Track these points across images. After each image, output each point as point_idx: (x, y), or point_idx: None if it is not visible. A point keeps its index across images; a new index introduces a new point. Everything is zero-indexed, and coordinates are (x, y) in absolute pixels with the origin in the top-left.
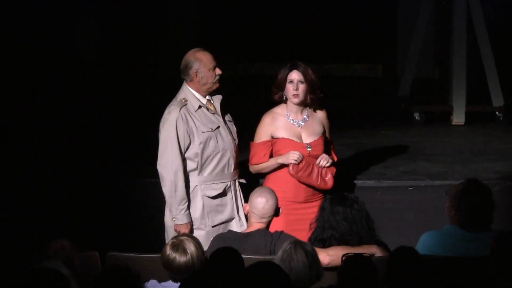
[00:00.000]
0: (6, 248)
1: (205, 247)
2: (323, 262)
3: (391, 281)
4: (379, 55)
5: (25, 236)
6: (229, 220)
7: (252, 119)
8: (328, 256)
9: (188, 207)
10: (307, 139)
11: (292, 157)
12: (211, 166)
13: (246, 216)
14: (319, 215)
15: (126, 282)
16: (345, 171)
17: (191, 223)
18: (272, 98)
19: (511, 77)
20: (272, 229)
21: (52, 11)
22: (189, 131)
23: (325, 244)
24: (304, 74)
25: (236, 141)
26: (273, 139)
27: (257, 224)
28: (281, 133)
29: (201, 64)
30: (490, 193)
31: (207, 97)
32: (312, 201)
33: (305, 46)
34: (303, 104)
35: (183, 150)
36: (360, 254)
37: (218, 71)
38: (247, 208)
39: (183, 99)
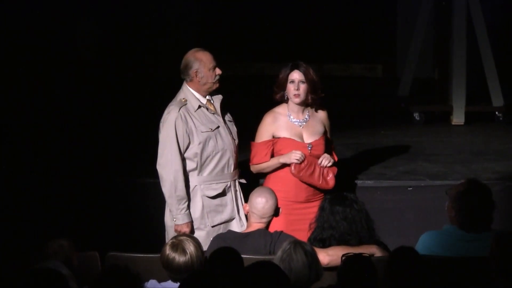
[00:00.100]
0: (6, 248)
1: (205, 247)
2: (323, 262)
3: (390, 281)
4: (379, 55)
5: (25, 236)
6: (229, 220)
7: (252, 119)
8: (328, 256)
9: (188, 206)
10: (308, 138)
11: (294, 156)
12: (210, 166)
13: (246, 216)
14: (318, 215)
15: (126, 282)
16: (345, 171)
17: (191, 223)
18: (274, 98)
19: (511, 77)
20: (272, 229)
21: (52, 11)
22: (189, 131)
23: (325, 244)
24: (305, 74)
25: (236, 141)
26: (274, 139)
27: (256, 224)
28: (283, 133)
29: (201, 64)
30: (490, 193)
31: (207, 97)
32: (313, 201)
33: (305, 46)
34: (304, 104)
35: (182, 150)
36: (360, 254)
37: (218, 71)
38: (247, 208)
39: (183, 99)
